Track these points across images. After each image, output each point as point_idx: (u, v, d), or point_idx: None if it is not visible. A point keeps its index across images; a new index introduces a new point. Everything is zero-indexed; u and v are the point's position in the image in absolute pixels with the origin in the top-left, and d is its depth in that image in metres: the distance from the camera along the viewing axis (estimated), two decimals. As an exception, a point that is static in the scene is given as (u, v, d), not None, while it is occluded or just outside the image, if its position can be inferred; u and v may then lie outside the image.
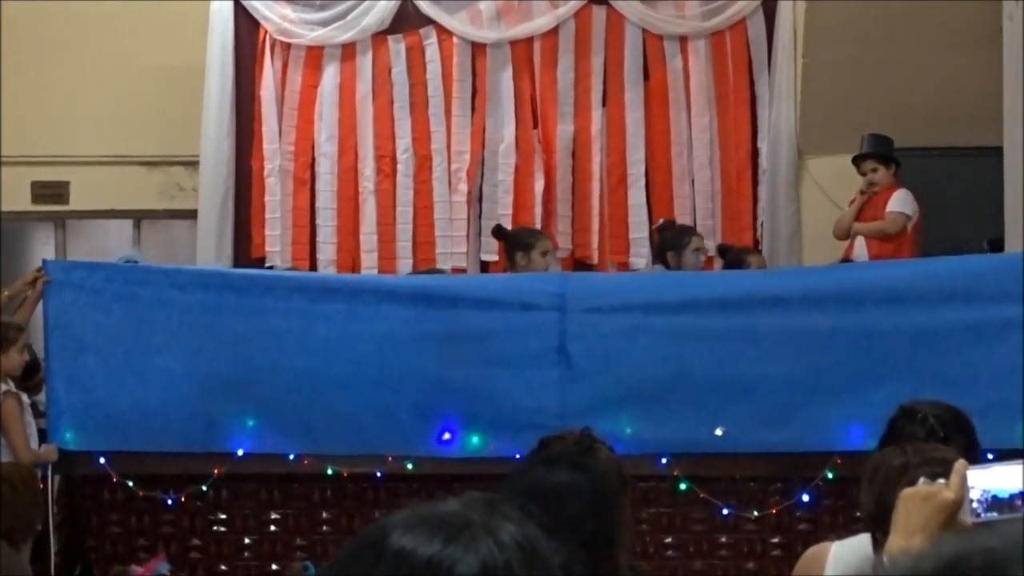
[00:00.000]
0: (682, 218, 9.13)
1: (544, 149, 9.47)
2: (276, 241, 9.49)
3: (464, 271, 9.20)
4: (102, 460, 6.87)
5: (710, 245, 8.89)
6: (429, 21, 9.53)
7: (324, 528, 7.01)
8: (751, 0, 9.47)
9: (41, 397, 7.32)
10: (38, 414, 7.08)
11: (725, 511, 6.75)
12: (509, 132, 9.47)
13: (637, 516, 6.35)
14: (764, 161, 9.47)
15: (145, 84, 9.67)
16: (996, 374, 6.34)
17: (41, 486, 6.09)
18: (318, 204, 9.55)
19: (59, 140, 9.71)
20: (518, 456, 4.25)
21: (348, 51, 9.56)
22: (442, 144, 9.49)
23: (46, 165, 9.79)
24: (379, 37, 9.56)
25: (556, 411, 6.56)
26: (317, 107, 9.56)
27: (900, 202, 8.48)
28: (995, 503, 2.26)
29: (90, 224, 10.13)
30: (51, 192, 9.86)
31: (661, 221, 8.79)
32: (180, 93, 9.58)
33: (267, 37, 9.57)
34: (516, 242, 8.09)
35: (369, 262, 9.44)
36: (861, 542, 3.34)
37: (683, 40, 9.52)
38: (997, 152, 7.97)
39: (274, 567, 6.99)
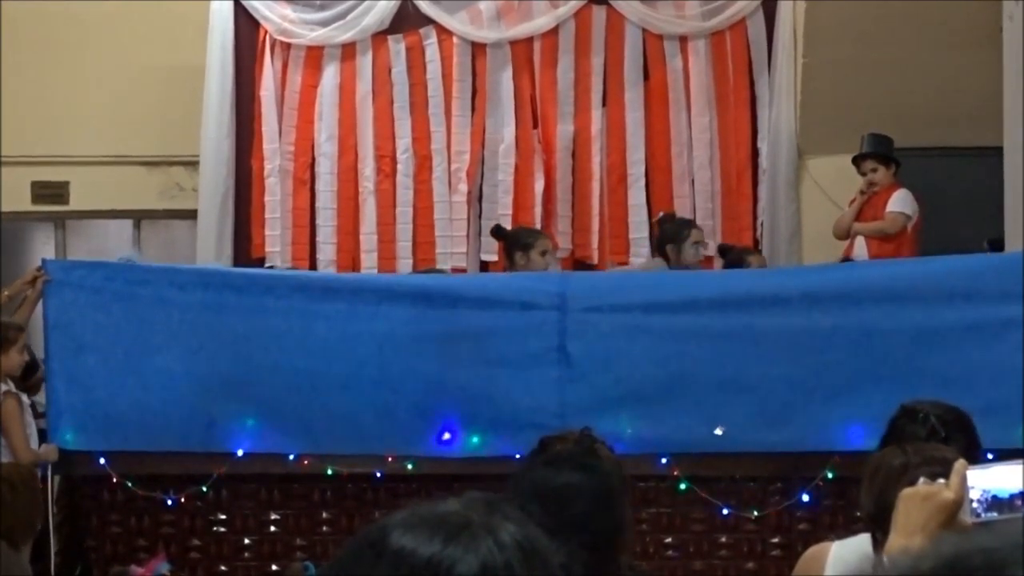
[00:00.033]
0: (682, 218, 9.13)
1: (544, 149, 9.47)
2: (276, 241, 9.49)
3: (464, 271, 9.19)
4: (102, 460, 6.87)
5: (710, 245, 8.90)
6: (429, 21, 9.52)
7: (324, 528, 7.00)
8: (751, 0, 9.47)
9: (40, 398, 7.32)
10: (37, 415, 7.08)
11: (725, 511, 6.75)
12: (509, 132, 9.47)
13: (637, 516, 6.35)
14: (764, 161, 9.47)
15: (145, 84, 9.67)
16: (996, 374, 6.33)
17: (41, 486, 6.09)
18: (318, 204, 9.55)
19: (59, 140, 9.71)
20: (518, 456, 4.25)
21: (348, 51, 9.56)
22: (442, 144, 9.49)
23: (46, 165, 9.79)
24: (379, 37, 9.56)
25: (556, 411, 6.56)
26: (317, 107, 9.56)
27: (900, 202, 8.48)
28: (995, 503, 2.26)
29: (90, 224, 10.13)
30: (51, 192, 9.86)
31: (661, 214, 8.81)
32: (180, 93, 9.58)
33: (267, 37, 9.57)
34: (515, 242, 8.10)
35: (369, 262, 9.44)
36: (861, 542, 3.34)
37: (683, 40, 9.52)
38: (997, 152, 7.97)
39: (274, 567, 6.99)
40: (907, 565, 1.31)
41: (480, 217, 9.45)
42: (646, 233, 9.27)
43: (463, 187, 9.42)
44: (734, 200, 9.48)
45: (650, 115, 9.50)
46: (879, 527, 2.97)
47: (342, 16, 9.52)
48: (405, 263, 9.40)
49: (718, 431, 6.62)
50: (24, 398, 6.96)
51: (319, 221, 9.53)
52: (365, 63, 9.55)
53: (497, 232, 8.51)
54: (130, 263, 7.62)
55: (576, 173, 9.49)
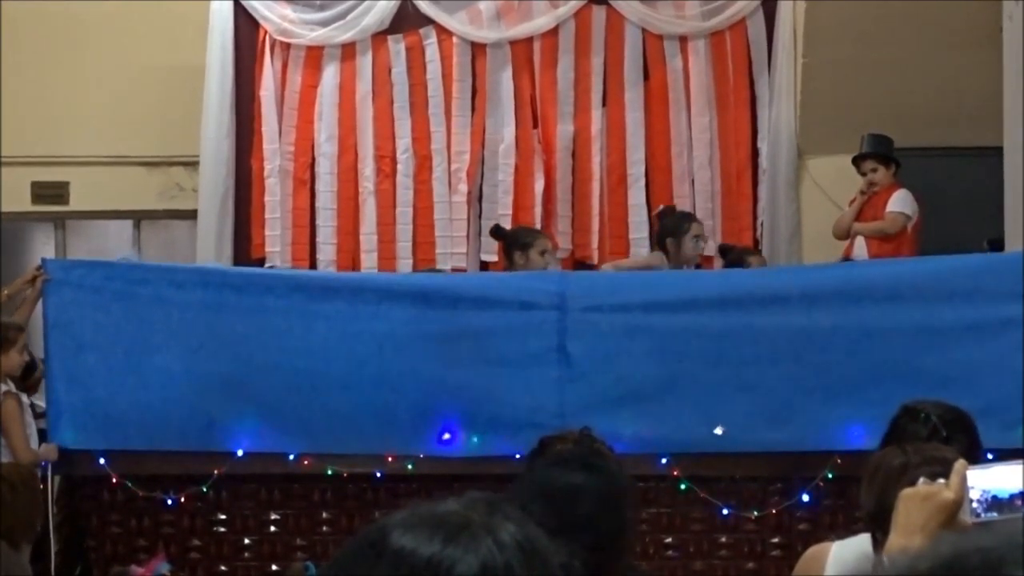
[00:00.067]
0: (682, 218, 9.13)
1: (544, 149, 9.46)
2: (276, 241, 9.49)
3: (464, 271, 9.19)
4: (102, 460, 6.87)
5: (710, 245, 8.90)
6: (429, 21, 9.52)
7: (324, 528, 7.00)
8: (751, 0, 9.47)
9: (39, 398, 7.32)
10: (36, 415, 7.08)
11: (725, 511, 6.75)
12: (509, 132, 9.47)
13: (637, 516, 6.35)
14: (764, 161, 9.47)
15: (145, 84, 9.66)
16: (996, 374, 6.33)
17: (41, 486, 6.09)
18: (318, 204, 9.55)
19: (59, 140, 9.71)
20: (518, 456, 4.26)
21: (348, 51, 9.56)
22: (442, 144, 9.49)
23: (46, 165, 9.78)
24: (379, 37, 9.56)
25: (556, 410, 6.56)
26: (317, 107, 9.56)
27: (900, 202, 8.47)
28: (995, 503, 2.26)
29: (90, 224, 10.13)
30: (51, 192, 9.86)
31: (661, 208, 8.79)
32: (180, 93, 9.57)
33: (267, 37, 9.57)
34: (514, 241, 8.10)
35: (369, 262, 9.44)
36: (861, 542, 3.34)
37: (683, 40, 9.52)
38: (997, 152, 7.97)
39: (274, 567, 6.99)
40: (905, 565, 1.31)
41: (480, 217, 9.44)
42: (646, 233, 9.27)
43: (463, 187, 9.41)
44: (734, 200, 9.48)
45: (650, 115, 9.50)
46: (879, 527, 2.97)
47: (342, 16, 9.52)
48: (405, 263, 9.40)
49: (718, 431, 6.63)
50: (24, 398, 6.96)
51: (319, 221, 9.53)
52: (365, 63, 9.55)
53: (496, 232, 8.51)
54: (129, 263, 7.62)
55: (576, 173, 9.49)
